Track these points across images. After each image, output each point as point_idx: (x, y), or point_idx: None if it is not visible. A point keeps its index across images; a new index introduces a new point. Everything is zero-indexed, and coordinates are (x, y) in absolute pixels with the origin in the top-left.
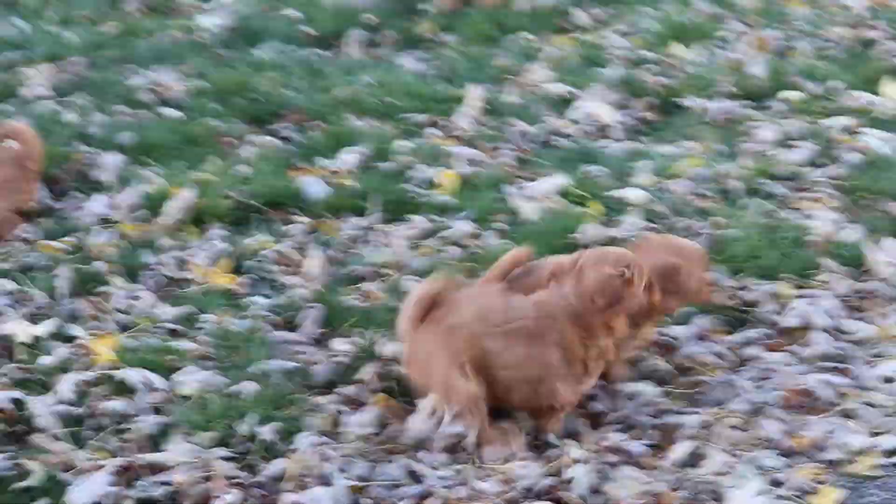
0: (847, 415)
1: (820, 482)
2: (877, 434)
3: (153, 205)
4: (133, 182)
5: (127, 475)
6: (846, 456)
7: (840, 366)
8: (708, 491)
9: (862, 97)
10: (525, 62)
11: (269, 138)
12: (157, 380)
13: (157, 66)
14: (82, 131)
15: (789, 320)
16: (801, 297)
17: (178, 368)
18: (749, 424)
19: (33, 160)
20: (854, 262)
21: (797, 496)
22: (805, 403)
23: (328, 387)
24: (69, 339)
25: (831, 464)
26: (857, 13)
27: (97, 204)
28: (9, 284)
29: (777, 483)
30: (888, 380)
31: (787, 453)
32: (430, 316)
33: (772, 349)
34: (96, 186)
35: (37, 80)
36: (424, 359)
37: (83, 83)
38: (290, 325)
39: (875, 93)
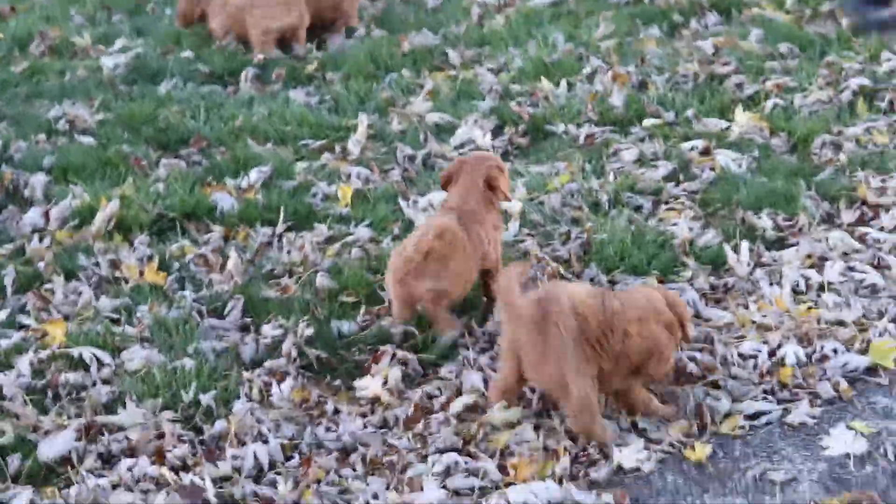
0: (714, 385)
1: (691, 439)
2: (738, 401)
3: (82, 216)
4: (59, 198)
5: (89, 433)
6: (713, 418)
7: (705, 346)
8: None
9: (714, 123)
10: (407, 96)
11: (177, 161)
12: (106, 357)
13: (66, 101)
14: (6, 156)
15: None
16: (670, 287)
17: (123, 349)
18: None
19: None
20: (712, 262)
21: (674, 451)
22: (676, 377)
23: (255, 365)
24: (21, 326)
25: (701, 426)
26: (706, 52)
27: (32, 215)
28: None
29: (656, 441)
30: (747, 357)
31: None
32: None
33: None
34: (24, 202)
35: None
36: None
37: (2, 116)
38: (217, 315)
39: (727, 119)
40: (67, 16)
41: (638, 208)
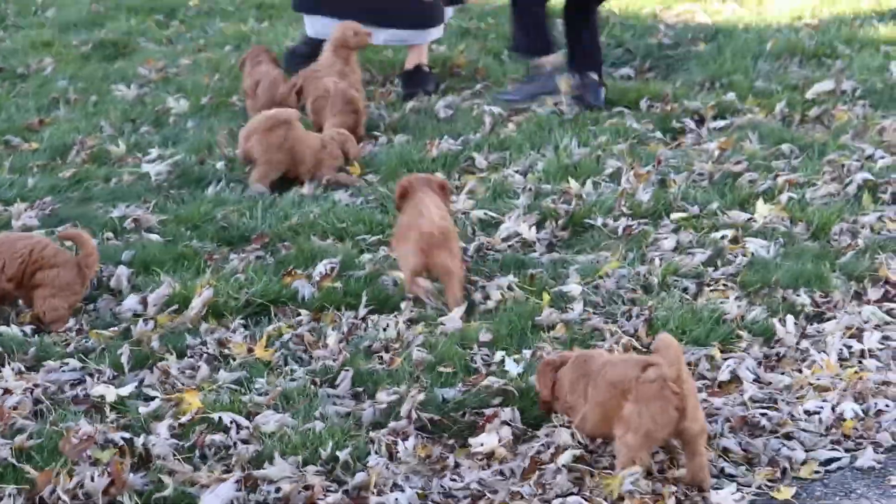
0: (787, 437)
1: (776, 483)
2: (811, 450)
3: (176, 303)
4: (146, 287)
5: (248, 484)
6: (792, 465)
7: (772, 405)
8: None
9: (737, 215)
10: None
11: (245, 255)
12: (243, 421)
13: (119, 204)
14: None
15: (723, 375)
16: (727, 358)
17: (256, 414)
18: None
19: (90, 265)
20: (762, 334)
21: (763, 493)
22: (749, 431)
23: (376, 426)
24: (149, 398)
25: (783, 471)
26: (713, 153)
27: (130, 302)
28: (76, 363)
29: (746, 484)
30: (811, 413)
31: (746, 464)
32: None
33: (713, 395)
34: (112, 292)
35: (25, 214)
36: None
37: (66, 217)
38: (329, 385)
39: (748, 211)
40: (96, 126)
41: (685, 290)
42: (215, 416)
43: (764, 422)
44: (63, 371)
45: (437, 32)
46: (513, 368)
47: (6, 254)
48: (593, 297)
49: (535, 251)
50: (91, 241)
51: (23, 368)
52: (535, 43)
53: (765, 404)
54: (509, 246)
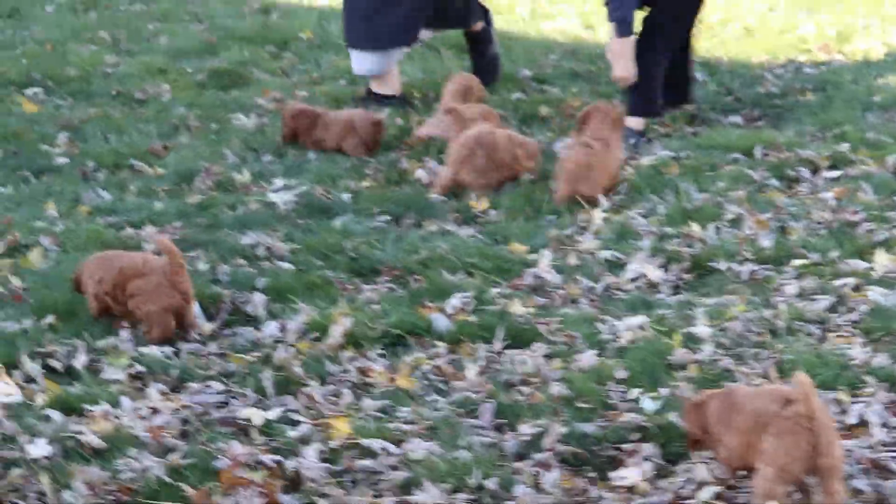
0: None
1: None
2: None
3: (315, 330)
4: (281, 315)
5: None
6: None
7: None
8: None
9: (856, 264)
10: (574, 234)
11: (377, 286)
12: (391, 447)
13: (247, 231)
14: (214, 278)
15: (851, 419)
16: (855, 402)
17: (402, 441)
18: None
19: (178, 272)
20: (887, 380)
21: None
22: (879, 473)
23: (519, 457)
24: (295, 423)
25: None
26: (830, 202)
27: (271, 329)
28: (218, 385)
29: None
30: None
31: None
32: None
33: (843, 438)
34: (248, 318)
35: (154, 236)
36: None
37: (196, 241)
38: (471, 416)
39: (867, 261)
40: (219, 154)
41: (810, 334)
42: (365, 442)
43: (893, 465)
44: (207, 393)
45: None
46: (649, 406)
47: (104, 269)
48: (722, 339)
49: (660, 292)
50: (175, 250)
51: (166, 389)
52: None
53: (893, 448)
54: (636, 286)
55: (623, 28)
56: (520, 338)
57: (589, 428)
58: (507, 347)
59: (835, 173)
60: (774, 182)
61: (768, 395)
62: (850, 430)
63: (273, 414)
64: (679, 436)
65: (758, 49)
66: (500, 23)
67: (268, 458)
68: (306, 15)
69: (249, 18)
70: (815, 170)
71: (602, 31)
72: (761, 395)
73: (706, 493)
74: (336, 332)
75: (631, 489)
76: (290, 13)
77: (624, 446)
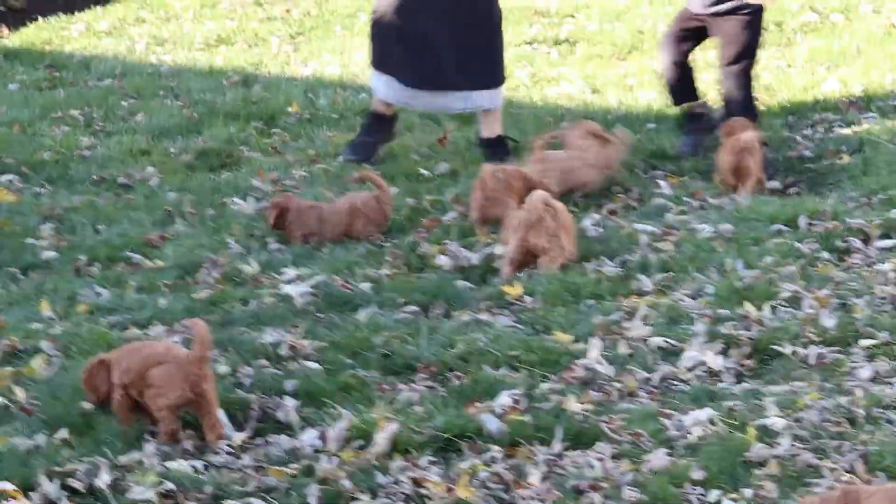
0: None
1: None
2: None
3: (357, 437)
4: (316, 420)
5: None
6: None
7: None
8: None
9: None
10: (620, 320)
11: (415, 385)
12: None
13: (265, 328)
14: (237, 382)
15: None
16: None
17: None
18: None
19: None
20: None
21: None
22: None
23: None
24: None
25: None
26: (889, 275)
27: (309, 437)
28: (259, 503)
29: None
30: None
31: None
32: None
33: None
34: (280, 426)
35: (164, 336)
36: None
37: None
38: None
39: None
40: (221, 243)
41: (890, 422)
42: None
43: None
44: None
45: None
46: None
47: (131, 357)
48: (798, 430)
49: (723, 381)
50: (204, 340)
51: None
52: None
53: None
54: (696, 375)
55: None
56: (580, 437)
57: None
58: (567, 449)
59: (888, 242)
60: (825, 255)
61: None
62: None
63: None
64: None
65: (781, 109)
66: None
67: None
68: (289, 87)
69: (229, 92)
70: (866, 239)
71: (611, 95)
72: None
73: None
74: (382, 439)
75: None
76: (271, 86)
77: None
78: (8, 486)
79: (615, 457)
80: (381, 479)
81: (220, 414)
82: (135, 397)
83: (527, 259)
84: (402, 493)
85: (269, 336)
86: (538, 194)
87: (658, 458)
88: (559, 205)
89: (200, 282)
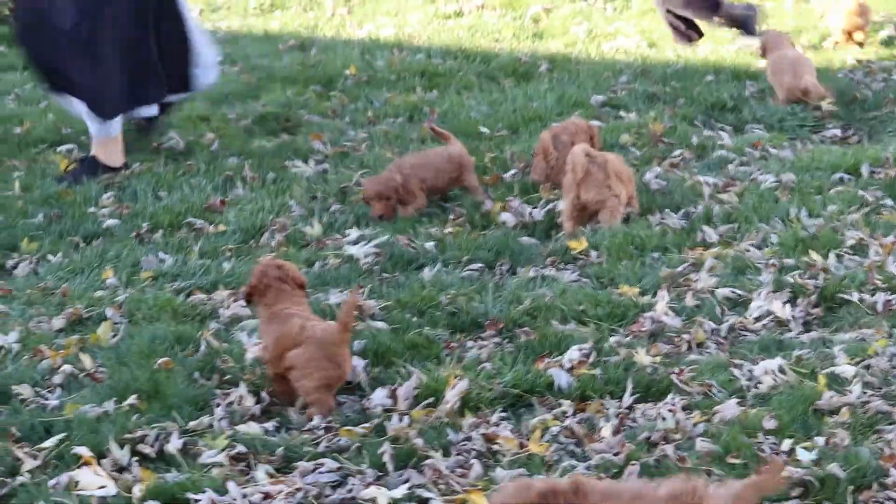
0: None
1: None
2: None
3: (427, 395)
4: (386, 380)
5: None
6: None
7: None
8: None
9: None
10: (687, 272)
11: (483, 342)
12: None
13: (330, 289)
14: None
15: None
16: None
17: None
18: None
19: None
20: None
21: None
22: None
23: None
24: (423, 499)
25: None
26: None
27: (379, 396)
28: (331, 462)
29: None
30: None
31: None
32: None
33: None
34: (348, 386)
35: (229, 301)
36: None
37: None
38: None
39: None
40: (283, 206)
41: None
42: None
43: None
44: (320, 472)
45: None
46: (805, 457)
47: (274, 334)
48: (868, 377)
49: (791, 330)
50: (350, 318)
51: (272, 470)
52: None
53: None
54: (763, 325)
55: None
56: (650, 390)
57: None
58: (637, 401)
59: None
60: (889, 202)
61: None
62: None
63: (399, 492)
64: (843, 489)
65: (833, 57)
66: (557, 46)
67: None
68: (346, 50)
69: (287, 57)
70: None
71: (668, 49)
72: None
73: None
74: (452, 396)
75: None
76: (327, 49)
77: None
78: (85, 451)
79: (686, 408)
80: (452, 436)
81: None
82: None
83: (585, 214)
84: (475, 449)
85: (334, 297)
86: (578, 149)
87: (729, 409)
88: (608, 155)
89: (264, 245)
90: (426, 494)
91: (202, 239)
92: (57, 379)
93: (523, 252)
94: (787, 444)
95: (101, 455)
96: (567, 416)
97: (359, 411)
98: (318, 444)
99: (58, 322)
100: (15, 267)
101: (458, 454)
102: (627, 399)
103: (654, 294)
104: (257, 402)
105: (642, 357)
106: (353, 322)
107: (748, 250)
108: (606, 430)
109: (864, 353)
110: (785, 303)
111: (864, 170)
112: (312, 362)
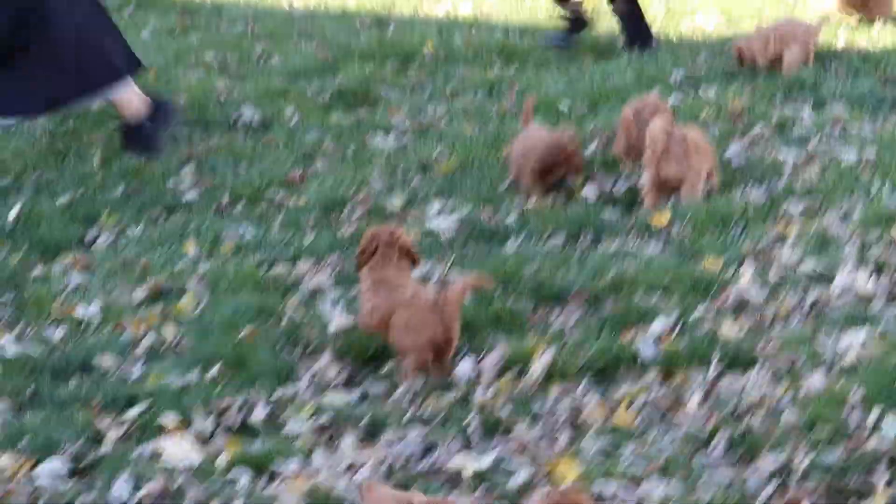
0: None
1: None
2: None
3: (512, 365)
4: (470, 351)
5: None
6: None
7: None
8: None
9: None
10: (767, 246)
11: (567, 314)
12: (624, 491)
13: None
14: None
15: None
16: None
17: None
18: None
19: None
20: None
21: None
22: None
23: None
24: (510, 469)
25: None
26: None
27: (466, 367)
28: (418, 431)
29: None
30: None
31: None
32: None
33: None
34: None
35: (311, 273)
36: None
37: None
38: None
39: None
40: (363, 180)
41: None
42: (596, 486)
43: None
44: (407, 442)
45: None
46: (890, 430)
47: (380, 296)
48: None
49: (874, 304)
50: (459, 293)
51: (356, 440)
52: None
53: None
54: (847, 300)
55: None
56: (735, 362)
57: (832, 458)
58: (723, 373)
59: None
60: None
61: None
62: None
63: (486, 461)
64: None
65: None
66: None
67: None
68: (424, 26)
69: (364, 34)
70: None
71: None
72: None
73: None
74: (538, 368)
75: None
76: (406, 26)
77: (873, 478)
78: (171, 420)
79: (771, 380)
80: (538, 406)
81: None
82: None
83: (666, 189)
84: (561, 419)
85: (416, 270)
86: (655, 123)
87: (815, 381)
88: (688, 129)
89: (344, 218)
90: (512, 464)
91: (283, 212)
92: (139, 350)
93: (605, 225)
94: (872, 417)
95: (184, 425)
96: (653, 388)
97: (444, 382)
98: (403, 413)
99: (138, 294)
100: (95, 240)
101: (544, 424)
102: (713, 371)
103: (738, 267)
104: (340, 373)
105: (727, 329)
106: (467, 293)
107: (830, 225)
108: (693, 402)
109: None
110: (868, 277)
111: None
112: (420, 323)
